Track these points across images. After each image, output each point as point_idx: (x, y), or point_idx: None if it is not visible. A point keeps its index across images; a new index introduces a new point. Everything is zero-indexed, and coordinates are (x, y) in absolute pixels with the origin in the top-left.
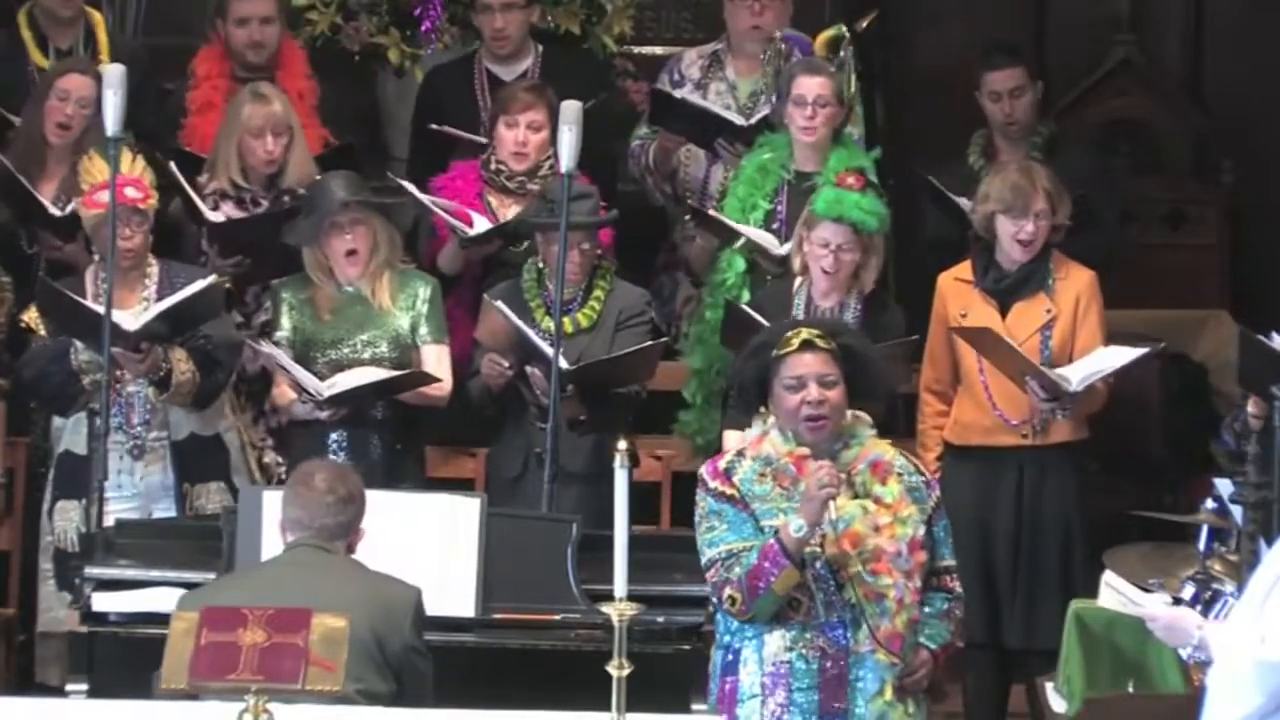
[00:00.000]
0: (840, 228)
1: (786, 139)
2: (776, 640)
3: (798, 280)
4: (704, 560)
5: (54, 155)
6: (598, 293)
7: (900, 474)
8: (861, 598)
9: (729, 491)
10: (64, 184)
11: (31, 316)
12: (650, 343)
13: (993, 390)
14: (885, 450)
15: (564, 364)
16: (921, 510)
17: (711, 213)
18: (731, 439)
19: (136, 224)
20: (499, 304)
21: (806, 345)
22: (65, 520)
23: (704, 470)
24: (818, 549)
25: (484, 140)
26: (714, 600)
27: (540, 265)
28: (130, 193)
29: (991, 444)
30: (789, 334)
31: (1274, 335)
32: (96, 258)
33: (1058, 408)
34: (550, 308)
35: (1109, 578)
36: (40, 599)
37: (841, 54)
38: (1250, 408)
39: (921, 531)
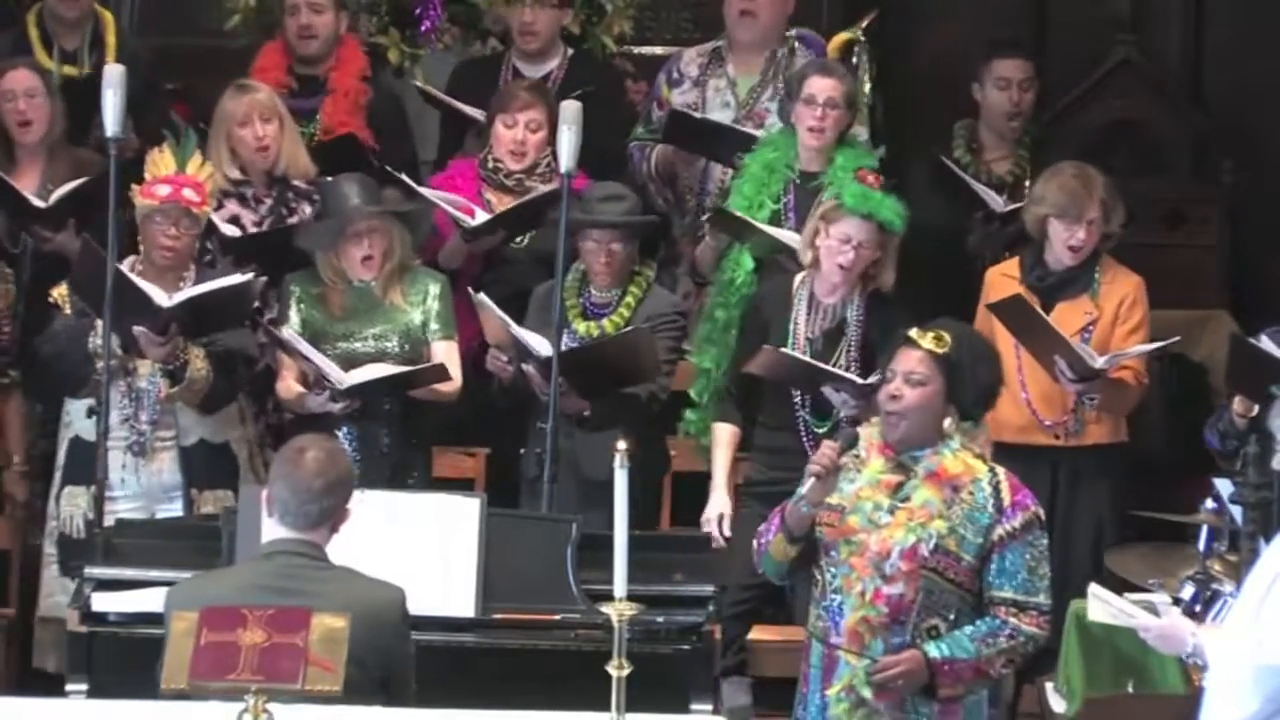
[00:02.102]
0: (867, 225)
1: (790, 138)
2: (811, 613)
3: (798, 278)
4: None
5: (26, 152)
6: (629, 299)
7: (970, 493)
8: (842, 587)
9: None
10: (46, 176)
11: (60, 293)
12: (635, 328)
13: (1029, 389)
14: (955, 464)
15: (548, 351)
16: (975, 533)
17: (736, 213)
18: (720, 432)
19: (185, 225)
20: (483, 297)
21: (908, 341)
22: (72, 506)
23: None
24: (820, 530)
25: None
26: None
27: (582, 268)
28: (189, 194)
29: (1026, 442)
30: (917, 328)
31: (1262, 337)
32: (142, 250)
33: (1086, 393)
34: (588, 310)
35: (1095, 590)
36: (43, 584)
37: (855, 58)
38: (1235, 406)
39: (929, 544)
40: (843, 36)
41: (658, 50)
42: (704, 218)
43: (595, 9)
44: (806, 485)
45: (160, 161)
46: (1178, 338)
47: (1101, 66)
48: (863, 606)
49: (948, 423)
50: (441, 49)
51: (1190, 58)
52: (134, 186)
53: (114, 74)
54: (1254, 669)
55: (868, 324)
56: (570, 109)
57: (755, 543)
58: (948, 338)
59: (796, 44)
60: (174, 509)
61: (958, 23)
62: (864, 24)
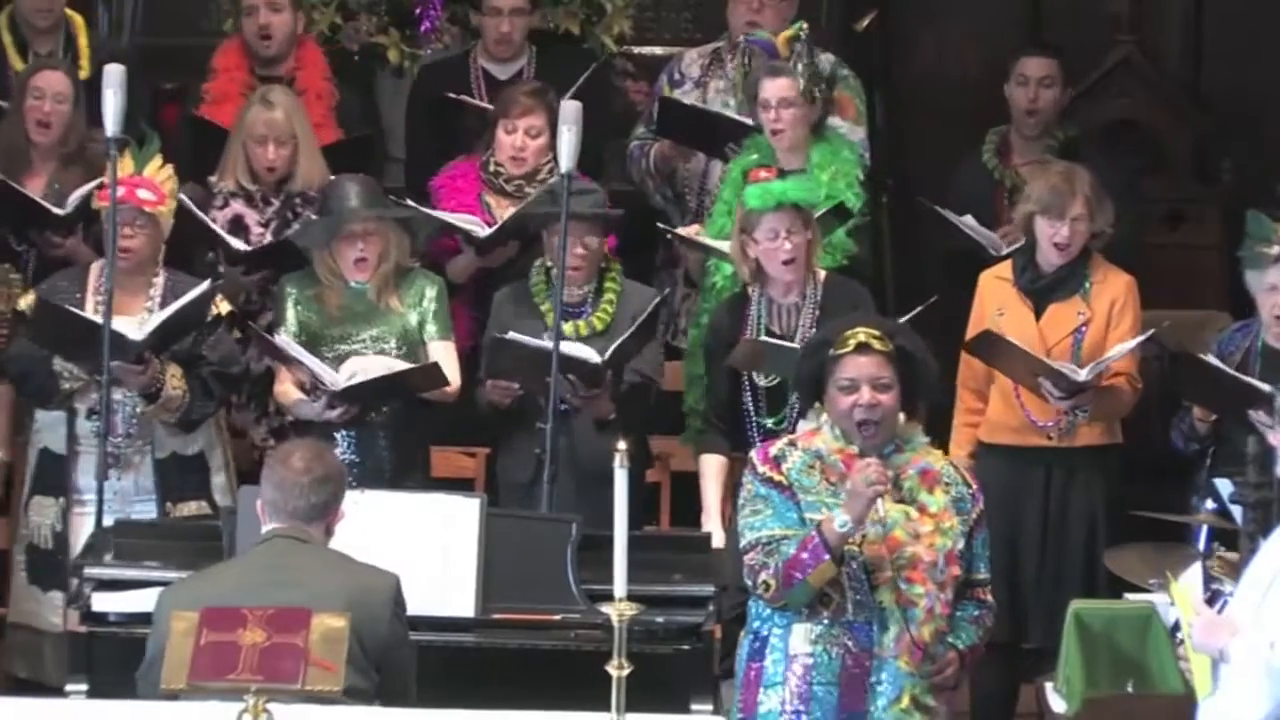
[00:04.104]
0: (784, 213)
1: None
2: (803, 632)
3: (752, 290)
4: (743, 543)
5: (39, 154)
6: (609, 295)
7: (948, 484)
8: (892, 603)
9: (777, 478)
10: (52, 180)
11: (28, 303)
12: (656, 300)
13: (1021, 390)
14: (935, 459)
15: (596, 357)
16: (963, 522)
17: (688, 235)
18: (708, 463)
19: (139, 225)
20: (513, 335)
21: (862, 347)
22: (40, 516)
23: (754, 455)
24: (856, 548)
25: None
26: (748, 582)
27: (548, 264)
28: (142, 194)
29: (1019, 443)
30: (846, 333)
31: (1211, 344)
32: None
33: (1076, 406)
34: (563, 310)
35: (1189, 574)
36: (12, 590)
37: (799, 49)
38: (1196, 411)
39: (961, 544)
40: (787, 33)
41: (658, 50)
42: (667, 235)
43: (595, 9)
44: (855, 507)
45: (119, 165)
46: (1152, 330)
47: (1101, 66)
48: (933, 620)
49: (901, 418)
50: (441, 49)
51: (1190, 58)
52: (94, 191)
53: (114, 74)
54: (1266, 671)
55: (828, 308)
56: (570, 109)
57: (772, 582)
58: (888, 334)
59: (749, 48)
60: (146, 514)
61: (957, 22)
62: (864, 24)
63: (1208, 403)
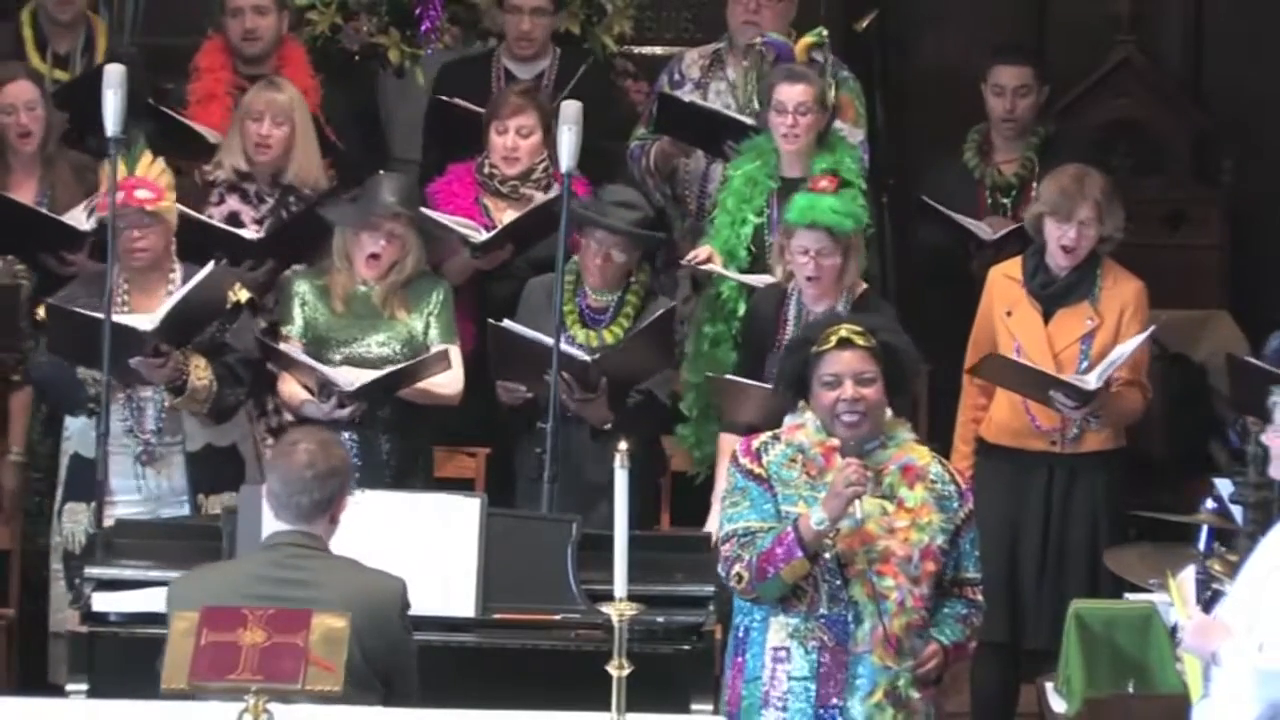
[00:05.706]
0: (816, 233)
1: (770, 145)
2: (779, 626)
3: (790, 286)
4: (721, 533)
5: (20, 161)
6: (628, 309)
7: (934, 481)
8: (864, 596)
9: (757, 470)
10: (45, 184)
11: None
12: (660, 312)
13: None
14: (920, 455)
15: (587, 357)
16: (948, 519)
17: (703, 264)
18: (726, 442)
19: (147, 224)
20: (510, 324)
21: (844, 343)
22: (73, 522)
23: (737, 447)
24: (829, 541)
25: None
26: (722, 574)
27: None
28: (141, 194)
29: (1022, 446)
30: (828, 331)
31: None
32: (122, 259)
33: (1088, 413)
34: (586, 316)
35: (1184, 574)
36: (51, 599)
37: (820, 58)
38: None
39: (940, 540)
40: (808, 39)
41: (658, 50)
42: (683, 261)
43: (595, 9)
44: (832, 506)
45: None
46: (1152, 327)
47: (1101, 66)
48: (904, 613)
49: (889, 413)
50: (441, 49)
51: (1190, 58)
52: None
53: (114, 74)
54: (1256, 673)
55: None
56: (570, 109)
57: (745, 574)
58: (870, 330)
59: (764, 49)
60: (179, 513)
61: (958, 23)
62: (864, 24)
63: (1260, 411)
